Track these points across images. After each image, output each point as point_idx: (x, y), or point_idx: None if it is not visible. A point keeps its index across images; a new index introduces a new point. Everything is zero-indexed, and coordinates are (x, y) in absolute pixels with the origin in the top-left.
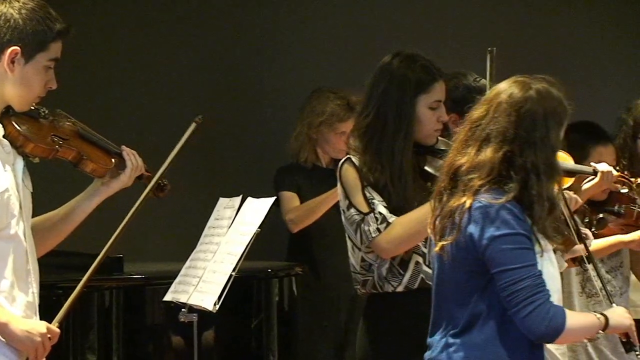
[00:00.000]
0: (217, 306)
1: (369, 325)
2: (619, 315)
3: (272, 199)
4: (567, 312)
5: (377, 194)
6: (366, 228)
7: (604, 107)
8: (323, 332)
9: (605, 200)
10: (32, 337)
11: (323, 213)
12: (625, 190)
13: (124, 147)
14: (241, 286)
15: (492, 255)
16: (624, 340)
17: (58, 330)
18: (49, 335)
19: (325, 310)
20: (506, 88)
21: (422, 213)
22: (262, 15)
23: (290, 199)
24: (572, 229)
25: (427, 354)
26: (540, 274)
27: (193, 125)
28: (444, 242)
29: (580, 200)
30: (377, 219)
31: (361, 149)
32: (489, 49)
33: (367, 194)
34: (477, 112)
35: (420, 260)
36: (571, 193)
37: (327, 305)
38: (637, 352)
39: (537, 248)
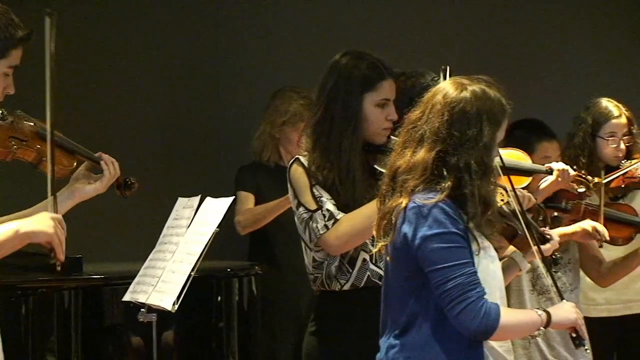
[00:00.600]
0: (176, 306)
1: (316, 321)
2: (564, 310)
3: (231, 198)
4: (503, 308)
5: (326, 192)
6: (314, 225)
7: (562, 116)
8: (283, 331)
9: (551, 197)
10: (46, 223)
11: (276, 216)
12: (582, 190)
13: (103, 154)
14: (201, 286)
15: (425, 255)
16: (573, 335)
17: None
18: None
19: (285, 310)
20: (442, 88)
21: (370, 210)
22: (224, 15)
23: (245, 200)
24: (526, 230)
25: (377, 356)
26: (473, 271)
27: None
28: (383, 243)
29: (533, 199)
30: (324, 216)
31: (310, 147)
32: (443, 66)
33: (315, 192)
34: (415, 113)
35: (367, 258)
36: (525, 192)
37: (288, 304)
38: (586, 347)
39: (473, 246)
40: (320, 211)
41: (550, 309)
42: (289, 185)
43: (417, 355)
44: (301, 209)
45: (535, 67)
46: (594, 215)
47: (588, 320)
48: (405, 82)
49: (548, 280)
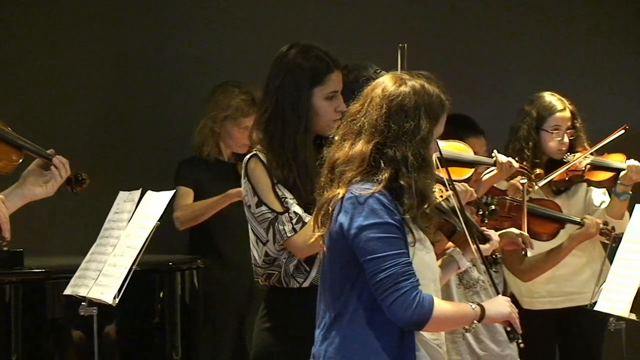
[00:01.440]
0: (117, 300)
1: (268, 316)
2: (498, 304)
3: (172, 192)
4: (437, 300)
5: (288, 192)
6: (281, 227)
7: (514, 101)
8: (224, 323)
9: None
10: None
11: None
12: (524, 181)
13: (55, 157)
14: (143, 280)
15: (360, 244)
16: (508, 329)
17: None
18: None
19: (225, 302)
20: (381, 82)
21: None
22: (168, 8)
23: (184, 195)
24: (465, 228)
25: (313, 348)
26: (407, 262)
27: None
28: (320, 233)
29: (475, 194)
30: (291, 218)
31: (266, 145)
32: (400, 44)
33: (279, 192)
34: (354, 106)
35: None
36: (466, 186)
37: (228, 296)
38: (520, 341)
39: (409, 238)
40: (287, 213)
41: (484, 303)
42: (245, 181)
43: (349, 345)
44: (264, 208)
45: (480, 59)
46: (518, 211)
47: (531, 312)
48: (347, 75)
49: (484, 277)
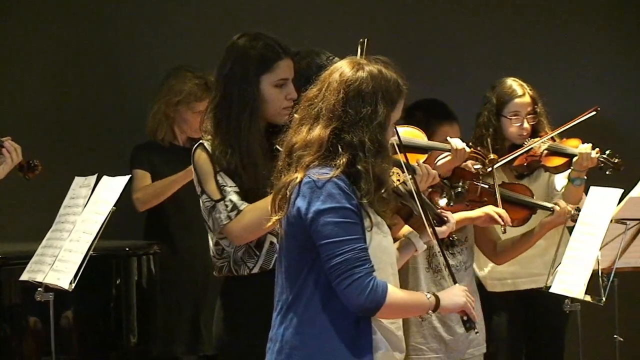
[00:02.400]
0: (73, 285)
1: (224, 304)
2: (453, 295)
3: (127, 177)
4: (391, 287)
5: (230, 179)
6: (217, 215)
7: (475, 94)
8: (181, 310)
9: (449, 177)
10: None
11: (176, 191)
12: (478, 166)
13: (6, 141)
14: (99, 265)
15: (317, 228)
16: (464, 319)
17: None
18: None
19: (181, 288)
20: (339, 67)
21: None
22: None
23: (142, 177)
24: (421, 211)
25: (270, 332)
26: (363, 248)
27: None
28: (277, 217)
29: (437, 177)
30: (227, 206)
31: (212, 131)
32: (361, 39)
33: (219, 180)
34: (312, 91)
35: (275, 240)
36: (429, 168)
37: (184, 282)
38: (477, 330)
39: (366, 222)
40: (223, 201)
41: (440, 293)
42: (193, 170)
43: (305, 330)
44: (204, 197)
45: (446, 46)
46: (490, 196)
47: (496, 294)
48: (300, 62)
49: (441, 260)
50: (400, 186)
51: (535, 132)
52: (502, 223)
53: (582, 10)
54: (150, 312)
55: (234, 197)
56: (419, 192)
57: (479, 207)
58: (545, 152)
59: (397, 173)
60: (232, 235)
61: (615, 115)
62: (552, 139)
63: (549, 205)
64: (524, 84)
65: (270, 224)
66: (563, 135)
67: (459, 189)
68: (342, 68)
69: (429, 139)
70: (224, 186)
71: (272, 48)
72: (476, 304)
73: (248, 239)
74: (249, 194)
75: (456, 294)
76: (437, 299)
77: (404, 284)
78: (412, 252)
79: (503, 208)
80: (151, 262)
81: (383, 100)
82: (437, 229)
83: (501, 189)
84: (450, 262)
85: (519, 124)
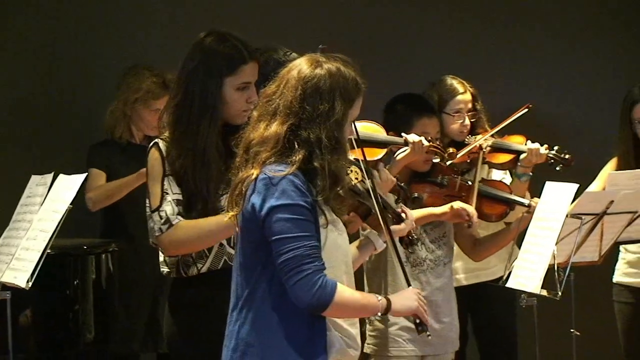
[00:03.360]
0: (30, 283)
1: (173, 305)
2: (405, 298)
3: (84, 175)
4: (341, 286)
5: (176, 185)
6: (151, 225)
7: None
8: (139, 308)
9: (428, 171)
10: None
11: (133, 189)
12: (437, 160)
13: None
14: (57, 263)
15: (269, 225)
16: (417, 322)
17: None
18: None
19: (139, 285)
20: (297, 64)
21: (211, 223)
22: None
23: (96, 176)
24: (377, 209)
25: (226, 329)
26: (314, 245)
27: None
28: (233, 213)
29: (395, 180)
30: (161, 217)
31: (171, 128)
32: (320, 46)
33: (165, 185)
34: (270, 87)
35: (224, 241)
36: (387, 174)
37: (142, 280)
38: (429, 333)
39: (321, 220)
40: (157, 212)
41: (391, 296)
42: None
43: (260, 326)
44: (147, 200)
45: (387, 44)
46: (468, 191)
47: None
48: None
49: (395, 259)
50: (358, 184)
51: (473, 129)
52: (467, 219)
53: (519, 8)
54: (108, 310)
55: (169, 209)
56: (375, 190)
57: (458, 201)
58: (489, 148)
59: (355, 171)
60: (162, 247)
61: (552, 111)
62: (495, 135)
63: (526, 200)
64: (464, 82)
65: (226, 219)
66: (504, 133)
67: (416, 195)
68: (301, 65)
69: (408, 132)
70: (166, 193)
71: (238, 50)
72: (452, 302)
73: (177, 253)
74: (191, 200)
75: (408, 297)
76: (389, 301)
77: (382, 279)
78: (372, 250)
79: (481, 203)
80: (109, 260)
81: (341, 97)
82: (394, 227)
83: (480, 184)
84: (430, 257)
85: (461, 121)
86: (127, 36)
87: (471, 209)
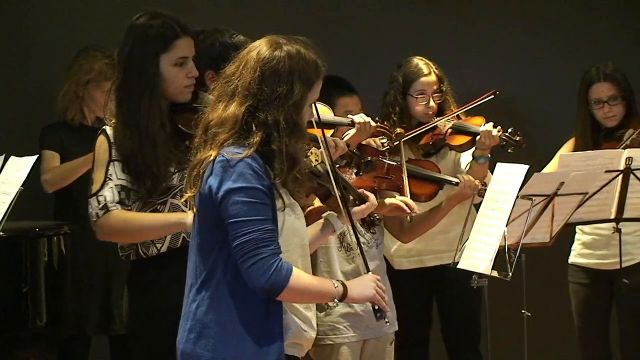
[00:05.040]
0: None
1: (133, 287)
2: (362, 285)
3: (35, 157)
4: (297, 271)
5: (121, 171)
6: (89, 210)
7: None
8: (92, 290)
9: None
10: None
11: (86, 171)
12: (384, 140)
13: None
14: (8, 246)
15: (226, 207)
16: (375, 308)
17: None
18: None
19: (92, 267)
20: (257, 46)
21: (143, 219)
22: None
23: (50, 158)
24: (336, 190)
25: (182, 309)
26: (270, 229)
27: None
28: (190, 194)
29: (345, 147)
30: (99, 202)
31: (114, 111)
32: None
33: (109, 170)
34: (230, 68)
35: None
36: (337, 140)
37: (95, 262)
38: (387, 320)
39: (278, 203)
40: (96, 196)
41: (348, 283)
42: None
43: (216, 308)
44: (89, 187)
45: (353, 25)
46: (397, 172)
47: (403, 272)
48: (204, 41)
49: (353, 243)
50: (318, 166)
51: (441, 111)
52: (409, 211)
53: None
54: (61, 293)
55: (109, 195)
56: (335, 171)
57: (386, 182)
58: (450, 130)
59: (315, 153)
60: (98, 233)
61: (517, 94)
62: (458, 117)
63: (454, 179)
64: (429, 63)
65: (182, 200)
66: (468, 114)
67: (369, 158)
68: (260, 47)
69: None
70: (109, 179)
71: (170, 27)
72: (386, 283)
73: (110, 240)
74: (140, 177)
75: (365, 284)
76: (345, 288)
77: (314, 263)
78: (331, 232)
79: (410, 183)
80: (61, 242)
81: (300, 80)
82: (356, 208)
83: (408, 165)
84: (362, 240)
85: (425, 103)
86: (77, 17)
87: (412, 202)
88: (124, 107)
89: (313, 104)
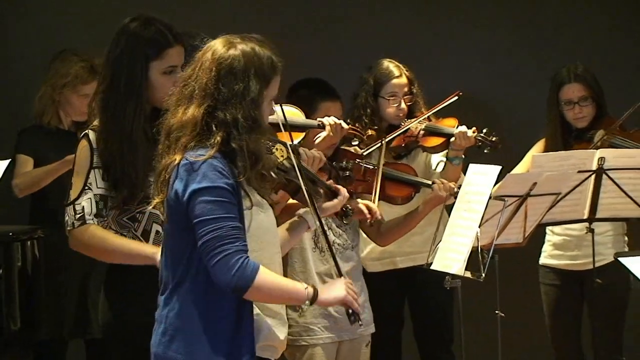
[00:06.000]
0: None
1: (110, 292)
2: (334, 289)
3: (7, 161)
4: (264, 270)
5: (102, 179)
6: (66, 217)
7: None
8: (67, 293)
9: (332, 156)
10: None
11: (61, 175)
12: (356, 143)
13: None
14: None
15: (192, 208)
16: (349, 311)
17: None
18: None
19: (68, 270)
20: (212, 46)
21: (114, 242)
22: None
23: (23, 163)
24: (302, 184)
25: (156, 312)
26: (235, 226)
27: None
28: (158, 200)
29: (324, 158)
30: (76, 211)
31: (99, 116)
32: None
33: (90, 178)
34: (187, 71)
35: (160, 229)
36: (315, 152)
37: (70, 265)
38: (360, 323)
39: (246, 202)
40: (73, 205)
41: (320, 287)
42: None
43: (188, 311)
44: (67, 193)
45: (322, 27)
46: (373, 175)
47: (376, 274)
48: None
49: (322, 240)
50: (285, 162)
51: (411, 113)
52: (369, 217)
53: None
54: (35, 297)
55: (87, 206)
56: (301, 166)
57: (363, 185)
58: (422, 132)
59: (280, 149)
60: (71, 242)
61: (491, 94)
62: (429, 119)
63: (430, 182)
64: (400, 65)
65: (151, 206)
66: (440, 115)
67: (347, 173)
68: (215, 47)
69: (311, 116)
70: (89, 188)
71: (163, 34)
72: (363, 285)
73: (81, 252)
74: (117, 184)
75: (337, 288)
76: (315, 291)
77: (289, 263)
78: (305, 229)
79: (387, 186)
80: (35, 246)
81: (256, 76)
82: (327, 203)
83: (385, 167)
84: (338, 241)
85: (396, 105)
86: (53, 21)
87: (374, 206)
88: (109, 111)
89: (280, 106)
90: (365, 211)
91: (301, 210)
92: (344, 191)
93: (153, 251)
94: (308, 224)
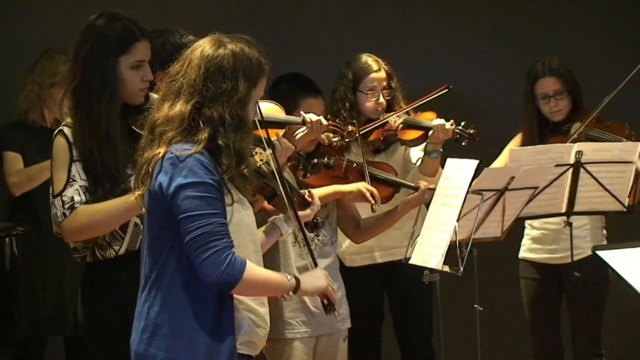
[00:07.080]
0: None
1: (88, 290)
2: (314, 278)
3: None
4: (250, 264)
5: (83, 171)
6: (54, 211)
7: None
8: (46, 291)
9: (313, 152)
10: None
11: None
12: (336, 139)
13: None
14: None
15: (177, 203)
16: (325, 302)
17: None
18: None
19: (48, 269)
20: (201, 45)
21: (109, 205)
22: None
23: (14, 160)
24: (283, 192)
25: (136, 309)
26: (222, 222)
27: None
28: (139, 192)
29: (293, 148)
30: (64, 202)
31: (72, 114)
32: None
33: (72, 171)
34: (175, 67)
35: (139, 221)
36: (285, 142)
37: (50, 263)
38: (337, 314)
39: (227, 199)
40: (60, 197)
41: (301, 276)
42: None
43: (169, 307)
44: (50, 189)
45: (300, 21)
46: (355, 173)
47: (354, 269)
48: (154, 41)
49: (300, 241)
50: (263, 166)
51: (390, 107)
52: (373, 201)
53: None
54: (13, 294)
55: (74, 195)
56: (280, 172)
57: (343, 183)
58: (401, 125)
59: (260, 153)
60: (64, 233)
61: (470, 89)
62: (408, 112)
63: (413, 183)
64: (379, 60)
65: (132, 198)
66: (418, 109)
67: (315, 161)
68: (204, 45)
69: (293, 112)
70: (72, 180)
71: (129, 29)
72: (340, 281)
73: (79, 239)
74: (97, 178)
75: (317, 277)
76: (298, 281)
77: (272, 258)
78: (278, 235)
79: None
80: (13, 243)
81: (244, 77)
82: (300, 213)
83: (368, 167)
84: (316, 237)
85: (375, 99)
86: (35, 19)
87: (376, 191)
88: (84, 109)
89: (256, 104)
90: (368, 195)
91: (274, 217)
92: (316, 200)
93: (133, 198)
94: (281, 231)
